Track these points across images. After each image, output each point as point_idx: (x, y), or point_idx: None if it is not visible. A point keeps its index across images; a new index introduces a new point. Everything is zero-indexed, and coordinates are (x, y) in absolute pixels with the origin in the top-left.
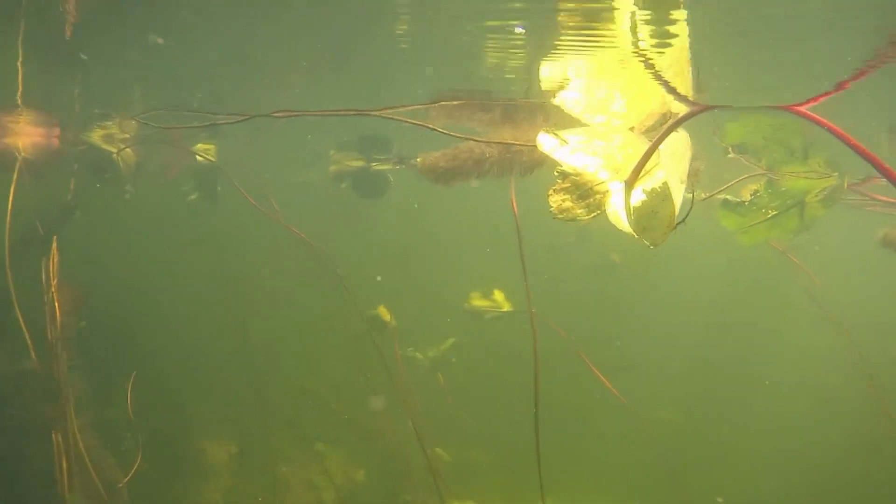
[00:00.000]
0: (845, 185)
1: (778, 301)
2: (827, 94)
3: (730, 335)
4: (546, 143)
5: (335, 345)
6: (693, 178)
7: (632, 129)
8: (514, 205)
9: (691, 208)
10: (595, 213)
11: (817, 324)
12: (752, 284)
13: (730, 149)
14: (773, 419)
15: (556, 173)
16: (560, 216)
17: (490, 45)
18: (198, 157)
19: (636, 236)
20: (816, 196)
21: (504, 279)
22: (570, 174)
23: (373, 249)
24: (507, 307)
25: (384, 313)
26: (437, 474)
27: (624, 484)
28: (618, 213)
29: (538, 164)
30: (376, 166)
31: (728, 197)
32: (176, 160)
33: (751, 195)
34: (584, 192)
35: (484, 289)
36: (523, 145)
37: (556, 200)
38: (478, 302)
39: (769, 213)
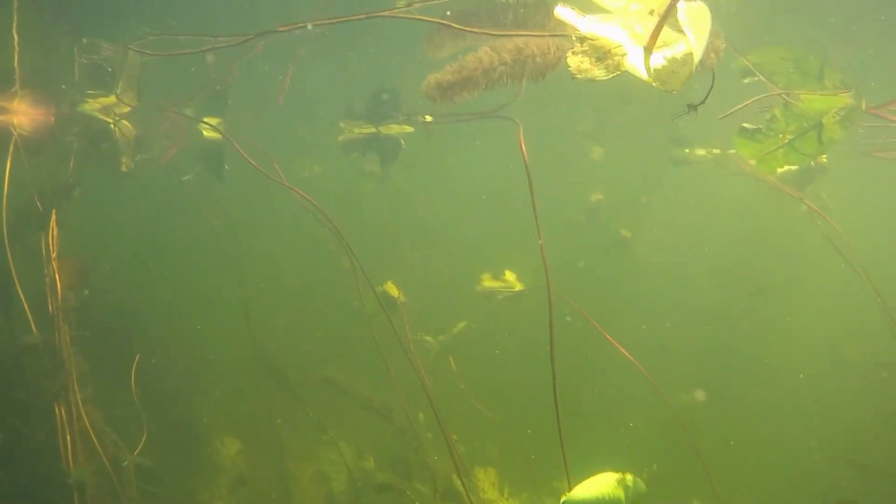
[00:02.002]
0: (863, 105)
1: (801, 261)
2: None
3: (749, 302)
4: (564, 13)
5: (343, 327)
6: (712, 55)
7: (651, 13)
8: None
9: (711, 88)
10: (614, 74)
11: (844, 284)
12: (771, 249)
13: (749, 67)
14: (800, 386)
15: (574, 38)
16: (579, 76)
17: None
18: (203, 132)
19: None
20: (834, 117)
21: (514, 261)
22: (588, 38)
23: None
24: (519, 287)
25: (392, 289)
26: (457, 456)
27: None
28: (636, 68)
29: (551, 66)
30: (385, 130)
31: (745, 124)
32: (178, 136)
33: (767, 120)
34: (602, 54)
35: (495, 269)
36: (538, 35)
37: (575, 62)
38: (489, 283)
39: (787, 138)
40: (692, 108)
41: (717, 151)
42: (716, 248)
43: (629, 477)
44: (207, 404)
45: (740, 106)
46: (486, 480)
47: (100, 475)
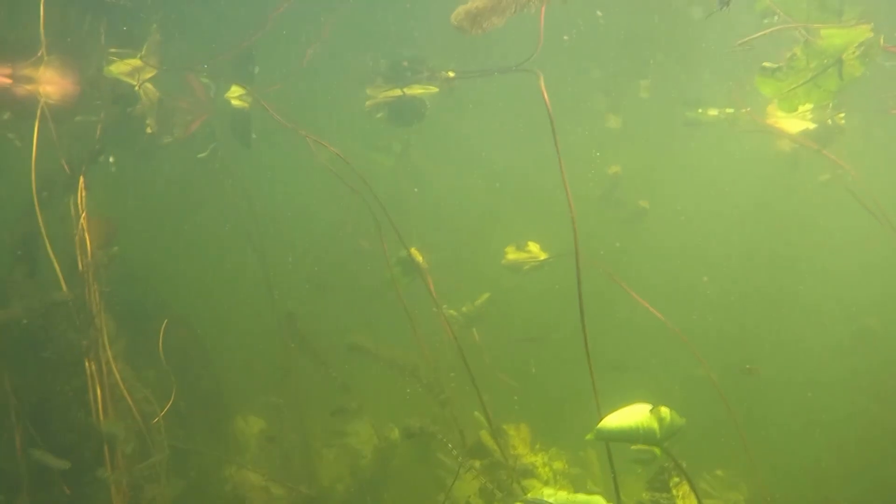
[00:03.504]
0: (881, 41)
1: (821, 223)
2: None
3: (770, 271)
4: None
5: (368, 294)
6: None
7: None
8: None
9: None
10: None
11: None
12: (790, 212)
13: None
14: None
15: None
16: None
17: None
18: (231, 101)
19: None
20: (854, 52)
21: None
22: None
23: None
24: (543, 256)
25: (416, 255)
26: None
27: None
28: None
29: None
30: (410, 91)
31: (766, 63)
32: (200, 109)
33: (788, 58)
34: None
35: (518, 242)
36: None
37: None
38: (514, 255)
39: (808, 75)
40: (724, 3)
41: (730, 111)
42: (735, 214)
43: (664, 409)
44: (232, 370)
45: (758, 34)
46: (516, 437)
47: (130, 430)
